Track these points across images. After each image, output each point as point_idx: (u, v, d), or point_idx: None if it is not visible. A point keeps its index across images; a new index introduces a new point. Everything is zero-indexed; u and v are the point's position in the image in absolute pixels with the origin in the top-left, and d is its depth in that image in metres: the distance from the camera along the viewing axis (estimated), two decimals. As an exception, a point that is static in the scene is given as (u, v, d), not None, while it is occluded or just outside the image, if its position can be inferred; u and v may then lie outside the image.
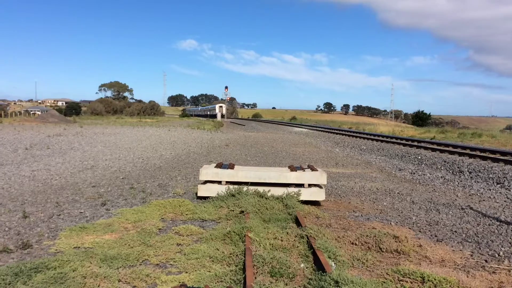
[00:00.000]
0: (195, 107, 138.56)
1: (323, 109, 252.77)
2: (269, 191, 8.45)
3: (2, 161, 14.99)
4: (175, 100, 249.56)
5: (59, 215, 7.45)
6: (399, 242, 5.99)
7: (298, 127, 47.92)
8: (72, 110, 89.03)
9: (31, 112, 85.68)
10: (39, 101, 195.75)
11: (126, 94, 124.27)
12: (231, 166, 9.26)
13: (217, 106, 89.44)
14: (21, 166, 13.76)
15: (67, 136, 26.91)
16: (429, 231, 6.98)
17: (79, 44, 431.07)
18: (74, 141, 23.52)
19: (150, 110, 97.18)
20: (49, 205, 8.16)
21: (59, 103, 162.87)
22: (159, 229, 6.71)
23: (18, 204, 8.20)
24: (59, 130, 32.67)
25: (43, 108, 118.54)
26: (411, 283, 4.66)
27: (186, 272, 4.88)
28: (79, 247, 5.68)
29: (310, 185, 8.62)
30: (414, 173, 13.73)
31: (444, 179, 12.64)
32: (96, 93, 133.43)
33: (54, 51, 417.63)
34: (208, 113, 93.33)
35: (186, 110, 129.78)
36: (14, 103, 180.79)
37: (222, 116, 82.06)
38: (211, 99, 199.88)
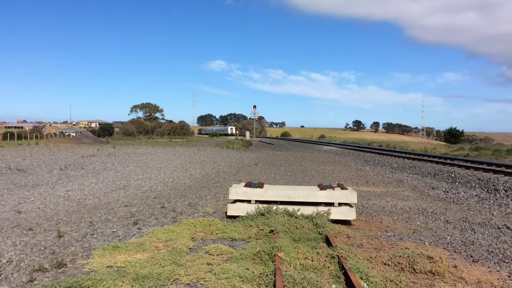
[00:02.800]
0: (211, 128, 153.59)
1: (352, 127, 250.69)
2: (298, 210, 8.41)
3: (38, 181, 15.43)
4: (205, 120, 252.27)
5: (93, 234, 7.59)
6: (434, 262, 5.83)
7: (327, 145, 47.64)
8: (105, 131, 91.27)
9: (66, 134, 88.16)
10: (73, 123, 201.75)
11: (157, 114, 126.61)
12: (260, 185, 9.27)
13: (229, 127, 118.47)
14: (56, 186, 14.13)
15: (100, 157, 27.53)
16: (465, 251, 6.79)
17: (112, 67, 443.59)
18: (107, 162, 24.03)
19: (180, 130, 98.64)
20: (83, 225, 8.33)
21: (93, 124, 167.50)
22: (190, 248, 6.74)
23: (53, 224, 8.40)
24: (92, 151, 33.47)
25: (77, 130, 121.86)
26: (447, 305, 4.53)
27: (217, 292, 4.88)
28: (112, 266, 5.77)
29: (340, 204, 8.53)
30: (447, 192, 13.42)
31: (479, 197, 12.30)
32: (128, 114, 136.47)
33: (87, 74, 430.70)
34: (222, 132, 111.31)
35: (202, 130, 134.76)
36: (50, 125, 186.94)
37: (233, 134, 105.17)
38: (239, 119, 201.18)
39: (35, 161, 23.77)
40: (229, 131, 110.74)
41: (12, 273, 5.45)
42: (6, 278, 5.29)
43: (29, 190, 13.22)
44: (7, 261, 5.88)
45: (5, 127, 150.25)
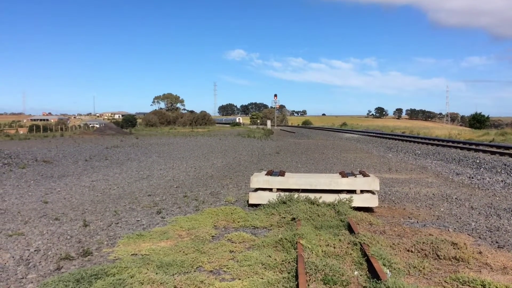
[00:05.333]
0: (221, 118, 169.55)
1: (374, 114, 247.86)
2: (320, 197, 8.39)
3: (64, 172, 15.74)
4: (226, 110, 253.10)
5: (117, 223, 7.73)
6: (458, 249, 5.77)
7: (348, 133, 47.26)
8: (128, 122, 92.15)
9: (90, 125, 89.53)
10: (97, 115, 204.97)
11: (179, 105, 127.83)
12: (281, 173, 9.27)
13: (237, 118, 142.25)
14: (81, 177, 14.40)
15: (124, 148, 27.90)
16: (490, 237, 6.68)
17: (133, 59, 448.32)
18: (130, 152, 24.34)
19: (202, 120, 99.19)
20: (108, 214, 8.49)
21: (116, 116, 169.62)
22: (212, 236, 6.81)
23: (79, 213, 8.58)
24: (116, 142, 33.93)
25: (101, 121, 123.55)
26: (471, 291, 4.48)
27: (239, 279, 4.92)
28: (136, 254, 5.88)
29: (362, 191, 8.48)
30: (472, 178, 13.19)
31: (505, 183, 12.04)
32: (151, 105, 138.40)
33: (110, 66, 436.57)
34: (231, 122, 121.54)
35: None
36: (74, 117, 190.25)
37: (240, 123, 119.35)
38: (260, 107, 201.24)
39: (61, 152, 24.24)
40: (237, 121, 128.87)
41: (40, 262, 5.61)
42: (34, 267, 5.44)
43: (55, 181, 13.51)
44: (35, 250, 6.04)
45: (31, 119, 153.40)
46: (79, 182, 13.18)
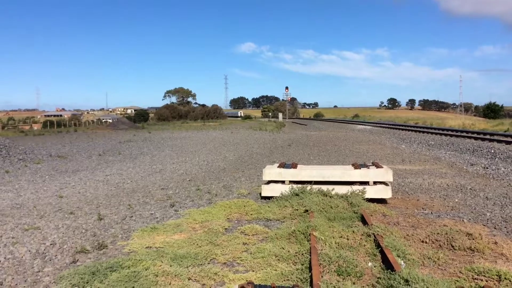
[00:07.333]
0: (226, 112, 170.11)
1: (387, 105, 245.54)
2: (333, 189, 8.36)
3: (78, 167, 15.90)
4: (237, 103, 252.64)
5: (132, 216, 7.79)
6: (473, 239, 5.72)
7: (361, 124, 46.98)
8: (140, 117, 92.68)
9: (103, 121, 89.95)
10: (110, 110, 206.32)
11: (190, 99, 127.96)
12: (294, 166, 9.25)
13: (239, 112, 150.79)
14: (95, 172, 14.53)
15: (136, 142, 28.07)
16: (505, 227, 6.61)
17: (144, 54, 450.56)
18: (143, 146, 24.49)
19: (213, 113, 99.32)
20: (122, 208, 8.56)
21: (129, 111, 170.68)
22: (225, 229, 6.84)
23: (93, 207, 8.67)
24: (129, 137, 34.14)
25: (114, 116, 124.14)
26: (487, 281, 4.43)
27: (253, 271, 4.94)
28: (150, 247, 5.92)
29: (375, 183, 8.43)
30: (487, 168, 13.03)
31: (521, 173, 11.88)
32: (162, 99, 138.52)
33: (122, 62, 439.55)
34: (233, 116, 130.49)
35: None
36: (87, 113, 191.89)
37: (241, 117, 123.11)
38: (272, 100, 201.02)
39: (75, 147, 24.48)
40: (239, 115, 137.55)
41: (56, 255, 5.68)
42: (50, 260, 5.51)
43: (69, 176, 13.65)
44: (50, 244, 6.12)
45: (45, 115, 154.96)
46: (93, 177, 13.30)
